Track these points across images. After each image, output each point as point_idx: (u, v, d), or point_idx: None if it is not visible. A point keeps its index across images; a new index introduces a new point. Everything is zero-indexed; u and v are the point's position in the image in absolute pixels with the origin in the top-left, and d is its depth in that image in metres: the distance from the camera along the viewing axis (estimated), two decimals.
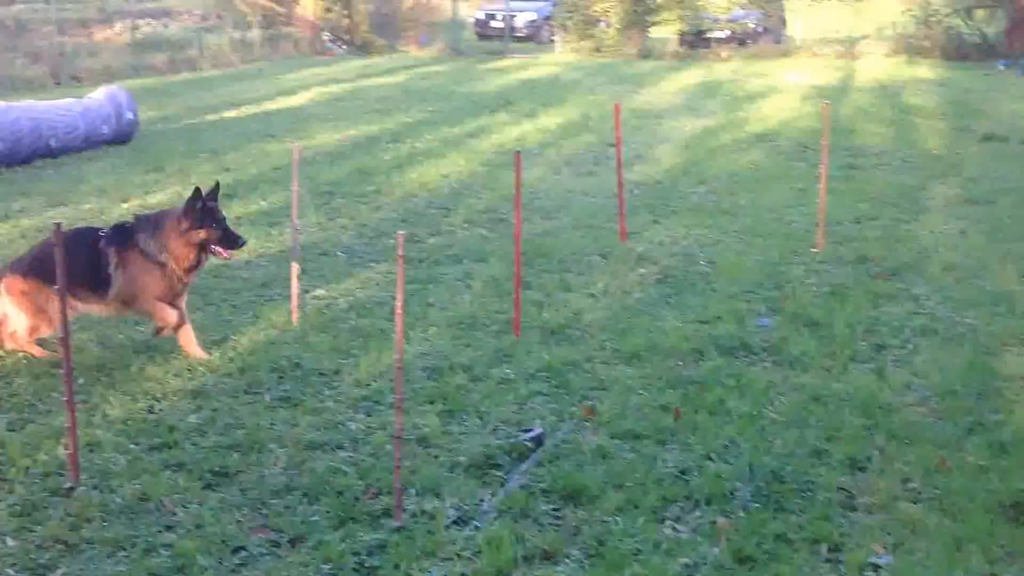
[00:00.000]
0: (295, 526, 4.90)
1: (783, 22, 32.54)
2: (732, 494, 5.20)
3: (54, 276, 6.73)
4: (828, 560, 4.70)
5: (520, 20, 34.25)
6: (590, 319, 7.77)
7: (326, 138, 15.92)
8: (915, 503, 5.16)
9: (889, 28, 30.44)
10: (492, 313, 7.90)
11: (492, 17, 34.52)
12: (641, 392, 6.48)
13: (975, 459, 5.55)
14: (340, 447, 5.72)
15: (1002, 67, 26.53)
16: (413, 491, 5.20)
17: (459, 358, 6.98)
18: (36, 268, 6.89)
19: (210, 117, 18.21)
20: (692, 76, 25.10)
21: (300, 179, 7.71)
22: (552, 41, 32.55)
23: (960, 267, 9.09)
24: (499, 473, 5.43)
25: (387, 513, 4.98)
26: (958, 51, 28.66)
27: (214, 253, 7.07)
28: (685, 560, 4.66)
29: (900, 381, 6.63)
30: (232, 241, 7.09)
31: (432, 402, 6.30)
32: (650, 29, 31.23)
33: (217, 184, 7.27)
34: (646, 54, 29.92)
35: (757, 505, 5.10)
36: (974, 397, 6.36)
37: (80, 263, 6.80)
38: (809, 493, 5.23)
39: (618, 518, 4.99)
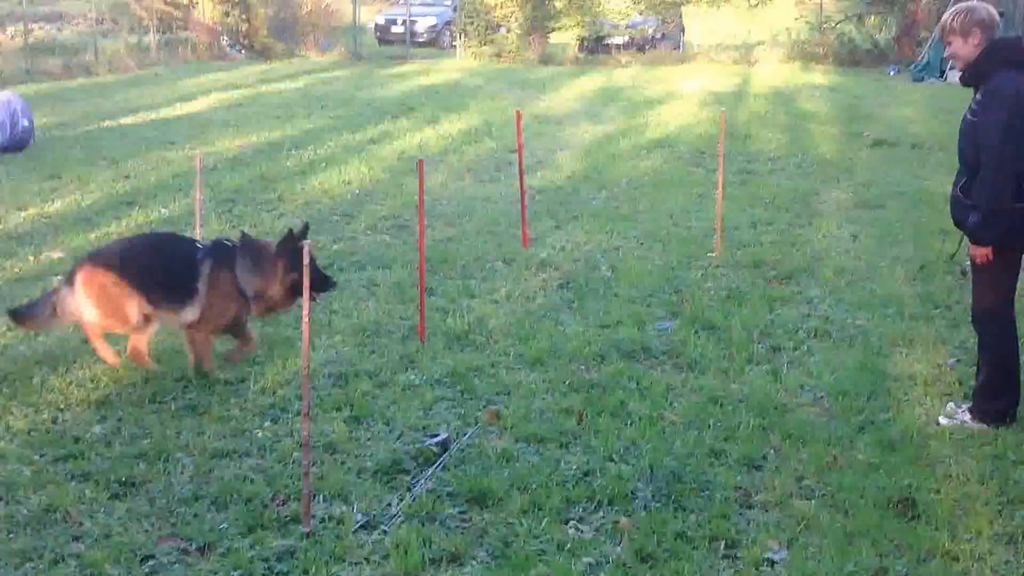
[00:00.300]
0: (203, 534, 4.92)
1: (681, 28, 32.94)
2: (633, 494, 5.33)
3: (136, 274, 6.66)
4: (725, 556, 4.85)
5: (421, 25, 34.21)
6: (494, 325, 7.86)
7: (227, 144, 15.76)
8: (808, 500, 5.35)
9: (784, 34, 30.99)
10: (397, 319, 7.96)
11: (393, 22, 34.42)
12: (544, 396, 6.60)
13: (865, 456, 5.77)
14: (247, 455, 5.75)
15: (892, 73, 27.22)
16: (321, 497, 5.25)
17: (365, 365, 7.03)
18: (119, 263, 6.70)
19: (108, 123, 17.90)
20: (592, 82, 25.32)
21: (201, 186, 7.68)
22: (453, 46, 32.57)
23: (852, 270, 9.36)
24: (406, 478, 5.51)
25: (295, 519, 5.03)
26: (851, 57, 29.29)
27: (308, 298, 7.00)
28: (588, 559, 4.78)
29: (794, 382, 6.83)
30: (323, 284, 6.93)
31: (339, 409, 6.34)
32: (551, 35, 31.44)
33: (306, 225, 7.03)
34: (547, 60, 30.11)
35: (657, 504, 5.24)
36: (864, 396, 6.59)
37: (171, 270, 6.71)
38: (707, 492, 5.39)
39: (523, 520, 5.09)
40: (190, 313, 6.69)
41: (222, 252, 6.79)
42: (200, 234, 7.70)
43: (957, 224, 6.24)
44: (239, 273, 6.72)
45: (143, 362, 6.85)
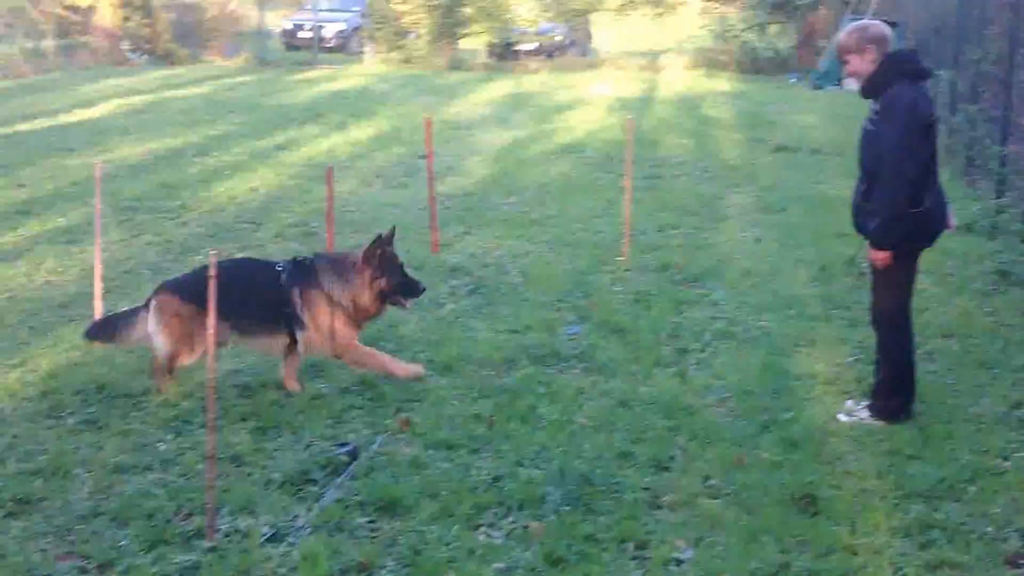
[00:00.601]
0: (104, 551, 4.82)
1: (589, 35, 33.20)
2: (544, 498, 5.35)
3: (218, 302, 6.55)
4: (635, 557, 4.90)
5: (329, 31, 33.94)
6: (404, 331, 7.83)
7: (128, 151, 15.46)
8: (715, 499, 5.42)
9: (689, 42, 31.40)
10: None
11: (300, 27, 34.09)
12: (455, 402, 6.59)
13: (769, 455, 5.86)
14: (149, 469, 5.65)
15: (793, 80, 27.70)
16: (226, 510, 5.18)
17: (272, 375, 6.96)
18: (196, 292, 6.46)
19: (2, 130, 17.45)
20: (501, 88, 25.38)
21: (101, 195, 7.54)
22: (362, 52, 32.41)
23: (755, 273, 9.51)
24: (314, 488, 5.46)
25: (200, 534, 4.96)
26: (753, 65, 29.73)
27: (394, 303, 6.86)
28: (499, 565, 4.79)
29: (701, 383, 6.92)
30: (412, 289, 6.87)
31: (245, 419, 6.28)
32: (459, 41, 31.45)
33: (394, 228, 6.99)
34: (456, 66, 30.12)
35: (567, 508, 5.26)
36: (768, 396, 6.70)
37: (257, 297, 6.59)
38: (617, 494, 5.43)
39: (433, 527, 5.09)
40: (304, 342, 6.66)
41: (302, 270, 6.73)
42: (99, 243, 7.54)
43: (858, 229, 6.39)
44: (327, 287, 6.66)
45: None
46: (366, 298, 6.70)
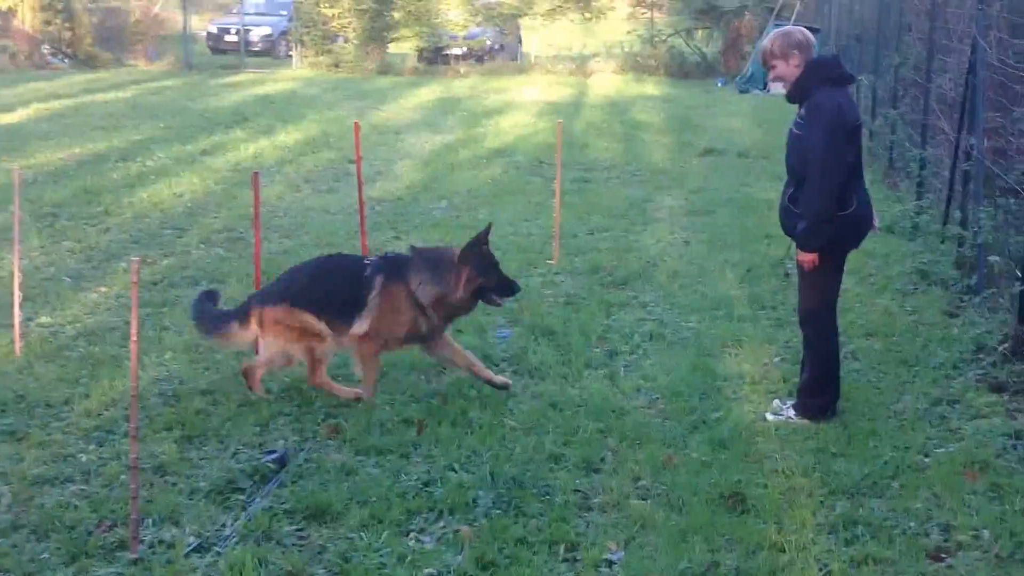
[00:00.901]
0: (23, 565, 4.73)
1: (519, 40, 33.23)
2: (474, 502, 5.34)
3: (306, 301, 6.53)
4: (565, 560, 4.89)
5: (255, 34, 33.62)
6: None
7: (48, 157, 15.13)
8: (645, 500, 5.44)
9: (617, 47, 31.57)
10: None
11: (226, 31, 33.72)
12: (385, 407, 6.55)
13: (698, 455, 5.90)
14: (71, 480, 5.55)
15: (720, 85, 27.98)
16: (150, 521, 5.10)
17: (197, 382, 6.88)
18: (289, 294, 6.57)
19: None
20: (431, 92, 25.33)
21: (20, 201, 7.40)
22: (289, 56, 32.18)
23: (684, 274, 9.57)
24: (241, 497, 5.40)
25: (123, 545, 4.87)
26: (681, 69, 29.97)
27: (489, 302, 6.75)
28: (430, 570, 4.77)
29: (631, 385, 6.95)
30: (508, 288, 6.77)
31: (169, 428, 6.18)
32: (389, 45, 31.33)
33: (490, 225, 6.91)
34: (385, 70, 30.00)
35: (498, 511, 5.25)
36: (697, 397, 6.74)
37: (345, 291, 6.55)
38: (547, 497, 5.43)
39: (363, 534, 5.05)
40: (358, 326, 6.59)
41: (392, 265, 6.68)
42: (18, 251, 7.39)
43: (786, 231, 6.47)
44: (414, 284, 6.58)
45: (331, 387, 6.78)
46: (459, 296, 6.62)
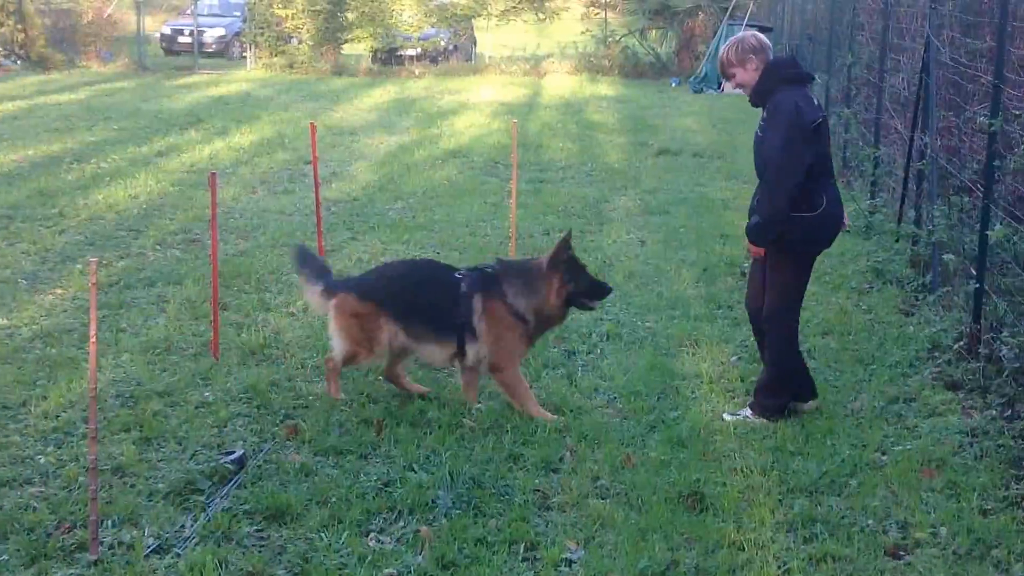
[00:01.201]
0: None
1: (473, 41, 33.23)
2: (434, 502, 5.33)
3: (394, 303, 6.38)
4: (525, 559, 4.90)
5: (209, 36, 33.37)
6: (290, 338, 7.74)
7: (1, 158, 14.87)
8: (604, 499, 5.45)
9: (572, 47, 31.67)
10: (189, 336, 7.75)
11: (180, 32, 33.45)
12: (343, 408, 6.53)
13: (657, 454, 5.92)
14: (29, 482, 5.49)
15: (674, 84, 28.12)
16: (110, 522, 5.06)
17: (155, 384, 6.81)
18: (375, 292, 6.42)
19: None
20: (386, 93, 25.25)
21: None
22: (243, 57, 31.97)
23: (640, 274, 9.61)
24: (200, 498, 5.36)
25: (83, 547, 4.83)
26: (635, 69, 30.12)
27: (581, 306, 6.62)
28: (390, 570, 4.76)
29: (589, 385, 6.97)
30: (599, 291, 6.63)
31: (127, 430, 6.13)
32: (343, 46, 31.22)
33: (569, 232, 6.78)
34: (339, 71, 29.88)
35: (458, 511, 5.25)
36: (655, 396, 6.77)
37: (435, 303, 6.39)
38: (507, 496, 5.43)
39: (323, 534, 5.04)
40: (473, 354, 6.46)
41: (484, 279, 6.52)
42: None
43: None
44: (510, 298, 6.44)
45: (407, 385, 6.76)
46: (552, 305, 6.48)
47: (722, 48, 6.54)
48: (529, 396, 6.52)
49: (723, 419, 6.44)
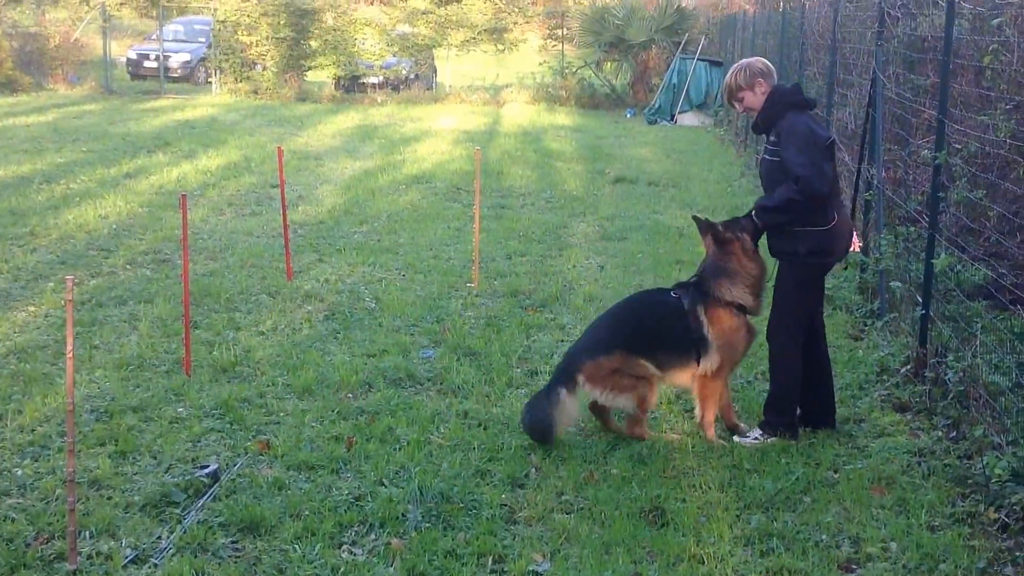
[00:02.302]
0: None
1: (434, 70, 33.27)
2: (404, 516, 5.35)
3: (638, 344, 6.25)
4: (493, 571, 4.93)
5: (175, 61, 33.19)
6: (261, 356, 7.74)
7: None
8: (568, 514, 5.49)
9: (530, 78, 31.78)
10: (161, 353, 7.72)
11: (145, 57, 33.22)
12: (314, 424, 6.54)
13: (619, 471, 5.97)
14: (7, 494, 5.46)
15: (629, 115, 28.31)
16: (87, 533, 5.04)
17: (129, 399, 6.79)
18: (614, 340, 6.29)
19: None
20: (349, 119, 25.21)
21: None
22: (209, 82, 31.84)
23: (600, 298, 9.64)
24: (176, 510, 5.35)
25: (61, 557, 4.82)
26: (591, 100, 30.26)
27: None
28: None
29: None
30: (753, 220, 6.42)
31: (103, 444, 6.11)
32: (307, 73, 31.17)
33: (697, 219, 6.73)
34: (303, 97, 29.80)
35: (427, 525, 5.27)
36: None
37: (666, 328, 6.29)
38: (475, 510, 5.46)
39: (296, 546, 5.04)
40: (707, 364, 6.36)
41: (698, 288, 6.44)
42: None
43: (772, 253, 6.52)
44: (724, 292, 6.36)
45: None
46: (749, 266, 6.40)
47: (728, 74, 6.57)
48: (713, 412, 6.47)
49: (737, 442, 6.40)
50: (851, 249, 6.58)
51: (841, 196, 6.43)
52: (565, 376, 6.37)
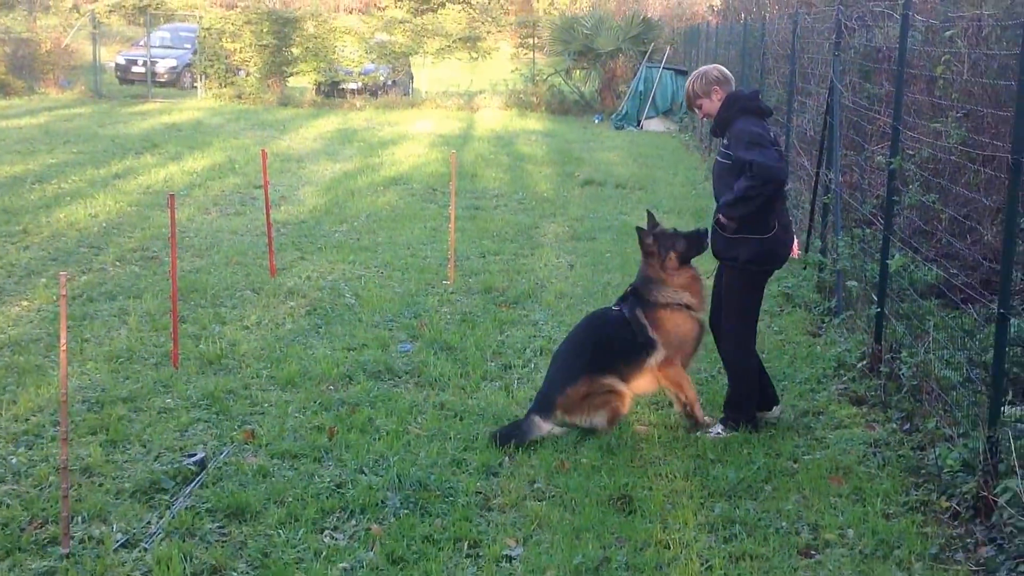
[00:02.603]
0: None
1: (410, 76, 33.18)
2: (383, 503, 5.34)
3: (598, 365, 6.27)
4: (469, 555, 4.93)
5: (162, 66, 32.98)
6: (245, 349, 7.71)
7: None
8: (541, 501, 5.49)
9: (502, 84, 31.76)
10: (150, 346, 7.68)
11: (134, 62, 33.00)
12: (297, 415, 6.52)
13: (589, 460, 5.97)
14: (2, 481, 5.43)
15: (597, 121, 28.33)
16: (80, 519, 5.02)
17: (119, 390, 6.75)
18: (576, 368, 6.28)
19: None
20: (329, 123, 25.11)
21: None
22: (194, 87, 31.64)
23: (570, 295, 9.66)
24: (165, 496, 5.33)
25: (55, 541, 4.79)
26: (561, 106, 30.24)
27: (694, 255, 6.55)
28: (344, 565, 4.76)
29: (524, 395, 6.97)
30: (700, 239, 6.51)
31: (94, 433, 6.07)
32: (288, 79, 31.04)
33: (648, 212, 6.78)
34: (285, 102, 29.67)
35: (406, 511, 5.26)
36: None
37: (618, 341, 6.31)
38: (451, 498, 5.45)
39: (280, 531, 5.03)
40: (654, 359, 6.40)
41: (636, 297, 6.51)
42: None
43: (715, 253, 6.50)
44: (659, 296, 6.44)
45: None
46: (676, 277, 6.48)
47: (687, 82, 6.60)
48: (694, 393, 6.55)
49: (699, 436, 6.37)
50: (791, 255, 6.57)
51: (784, 206, 6.38)
52: (541, 408, 6.35)
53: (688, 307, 6.49)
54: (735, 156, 6.19)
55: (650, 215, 6.73)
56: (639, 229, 6.65)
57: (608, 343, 6.46)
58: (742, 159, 6.11)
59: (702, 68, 6.65)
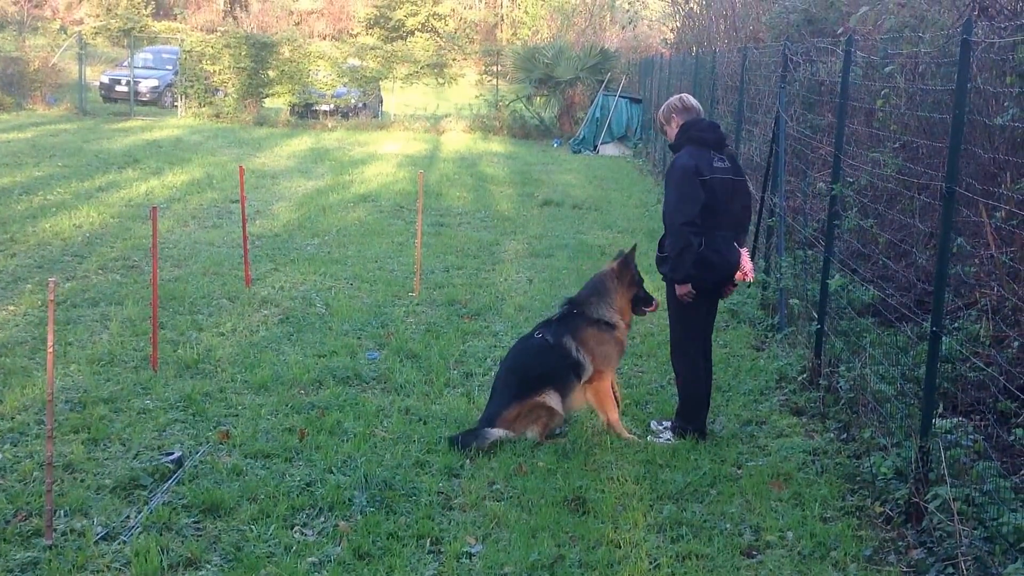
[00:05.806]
0: None
1: (380, 99, 33.13)
2: (351, 501, 5.34)
3: (525, 389, 6.28)
4: (431, 552, 4.94)
5: (144, 86, 32.65)
6: (221, 354, 7.66)
7: None
8: (499, 501, 5.51)
9: (467, 109, 31.77)
10: (130, 351, 7.62)
11: (117, 82, 32.64)
12: (269, 417, 6.50)
13: (545, 464, 5.99)
14: None
15: (556, 145, 28.42)
16: (62, 512, 4.98)
17: (101, 392, 6.70)
18: (509, 396, 6.30)
19: None
20: (303, 143, 25.01)
21: None
22: (175, 106, 31.41)
23: (528, 308, 9.68)
24: (143, 492, 5.31)
25: (38, 533, 4.76)
26: (522, 130, 30.27)
27: (637, 311, 6.58)
28: (313, 559, 4.76)
29: (485, 402, 6.93)
30: (649, 300, 6.64)
31: (76, 431, 6.03)
32: (264, 100, 30.89)
33: (635, 245, 6.85)
34: (261, 121, 29.49)
35: (372, 509, 5.27)
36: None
37: (542, 364, 6.33)
38: (415, 497, 5.46)
39: (253, 526, 5.02)
40: (586, 374, 6.48)
41: (565, 319, 6.58)
42: None
43: (663, 275, 6.53)
44: (594, 313, 6.51)
45: None
46: (626, 304, 6.58)
47: (659, 109, 6.68)
48: (615, 410, 6.58)
49: (649, 443, 6.39)
50: (742, 279, 6.49)
51: (719, 231, 6.29)
52: (487, 423, 6.37)
53: (614, 327, 6.57)
54: (666, 191, 6.31)
55: (633, 249, 6.79)
56: (635, 248, 6.78)
57: (533, 368, 6.49)
58: (664, 199, 6.26)
59: (674, 96, 6.71)
